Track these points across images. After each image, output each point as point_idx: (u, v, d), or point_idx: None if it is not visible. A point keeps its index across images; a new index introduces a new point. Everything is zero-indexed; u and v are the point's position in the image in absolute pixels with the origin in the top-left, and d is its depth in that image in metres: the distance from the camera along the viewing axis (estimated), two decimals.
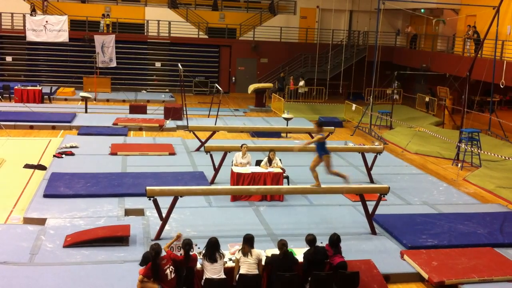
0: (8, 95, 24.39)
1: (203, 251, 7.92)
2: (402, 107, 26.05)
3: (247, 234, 8.11)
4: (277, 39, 30.51)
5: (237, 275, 7.92)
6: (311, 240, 8.23)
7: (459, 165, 16.29)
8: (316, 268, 8.03)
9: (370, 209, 10.48)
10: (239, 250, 8.05)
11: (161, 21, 29.47)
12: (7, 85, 24.77)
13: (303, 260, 8.18)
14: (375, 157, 14.16)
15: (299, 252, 8.42)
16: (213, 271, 7.72)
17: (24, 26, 26.62)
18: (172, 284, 7.57)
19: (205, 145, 14.27)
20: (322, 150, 10.11)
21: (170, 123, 20.35)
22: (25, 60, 29.10)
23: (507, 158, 15.27)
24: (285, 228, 10.52)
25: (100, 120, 20.19)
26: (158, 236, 9.71)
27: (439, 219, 11.25)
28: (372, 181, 14.00)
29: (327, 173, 10.36)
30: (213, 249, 7.82)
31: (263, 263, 8.09)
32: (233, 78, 30.89)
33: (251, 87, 25.75)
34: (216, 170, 13.22)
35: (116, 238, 9.42)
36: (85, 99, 22.26)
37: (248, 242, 7.99)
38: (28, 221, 10.43)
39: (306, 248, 8.29)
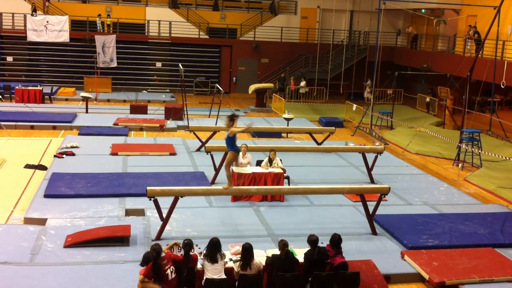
0: (9, 95, 24.41)
1: (204, 251, 7.92)
2: (402, 108, 26.05)
3: (245, 243, 7.99)
4: (278, 39, 30.52)
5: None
6: (314, 240, 8.22)
7: (460, 165, 16.29)
8: (317, 268, 8.03)
9: (371, 209, 10.48)
10: (238, 261, 7.95)
11: (161, 21, 29.49)
12: (8, 85, 24.80)
13: (304, 260, 8.18)
14: (376, 157, 14.15)
15: (300, 253, 8.42)
16: (213, 272, 7.72)
17: (25, 26, 26.66)
18: (173, 284, 7.57)
19: (206, 145, 14.28)
20: (230, 145, 9.79)
21: (170, 123, 20.35)
22: (26, 60, 29.12)
23: (507, 158, 15.27)
24: (286, 228, 10.52)
25: (101, 120, 20.20)
26: (158, 237, 9.71)
27: (439, 220, 11.25)
28: (372, 181, 13.99)
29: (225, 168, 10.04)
30: (214, 250, 7.81)
31: (262, 265, 8.06)
32: (234, 78, 30.89)
33: (252, 87, 25.76)
34: (217, 170, 13.21)
35: (116, 238, 9.42)
36: (85, 99, 22.27)
37: (247, 253, 7.89)
38: (28, 221, 10.44)
39: (307, 248, 8.29)
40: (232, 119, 9.71)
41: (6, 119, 19.15)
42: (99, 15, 28.98)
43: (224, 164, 9.82)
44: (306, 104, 26.71)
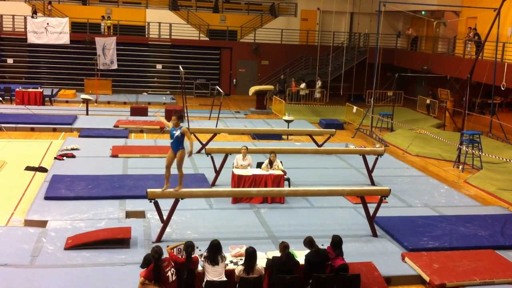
0: (9, 97, 24.42)
1: (205, 254, 7.91)
2: (403, 109, 26.04)
3: (248, 247, 7.98)
4: (278, 41, 30.53)
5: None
6: (310, 241, 8.22)
7: (460, 167, 16.28)
8: (317, 270, 8.03)
9: (371, 211, 10.48)
10: (242, 266, 7.91)
11: (162, 23, 29.50)
12: (8, 87, 24.81)
13: (304, 262, 8.18)
14: (376, 159, 14.15)
15: (300, 254, 8.41)
16: (214, 274, 7.72)
17: (25, 28, 26.69)
18: (173, 286, 7.56)
19: (206, 147, 14.27)
20: (178, 144, 9.67)
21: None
22: (26, 62, 29.13)
23: (508, 160, 15.27)
24: (286, 230, 10.52)
25: (101, 122, 20.20)
26: (159, 239, 9.71)
27: (440, 221, 11.24)
28: (373, 183, 13.99)
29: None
30: (215, 252, 7.81)
31: (263, 271, 8.05)
32: (234, 80, 30.90)
33: (252, 89, 25.78)
34: (217, 172, 13.22)
35: (117, 240, 9.42)
36: (86, 101, 22.27)
37: (250, 257, 7.85)
38: (29, 223, 10.43)
39: (307, 250, 8.28)
40: (179, 118, 9.72)
41: (6, 121, 19.17)
42: (103, 16, 28.99)
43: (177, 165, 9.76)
44: (306, 106, 26.73)
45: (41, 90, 24.20)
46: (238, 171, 12.45)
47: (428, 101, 25.49)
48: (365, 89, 27.12)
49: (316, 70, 28.40)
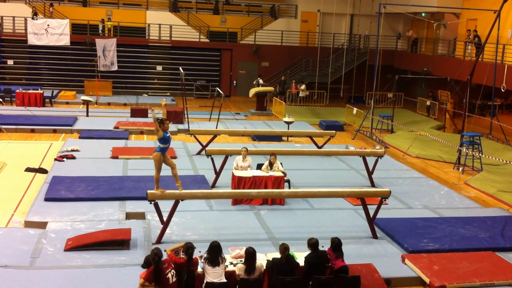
0: (9, 99, 24.42)
1: (205, 255, 7.91)
2: (403, 111, 26.06)
3: (249, 248, 7.99)
4: (278, 43, 30.54)
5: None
6: (314, 243, 8.22)
7: (460, 169, 16.28)
8: (317, 272, 8.03)
9: (371, 213, 10.48)
10: (242, 264, 7.94)
11: (162, 24, 29.51)
12: (8, 89, 24.81)
13: (304, 263, 8.18)
14: (376, 161, 14.15)
15: (300, 256, 8.41)
16: (214, 275, 7.72)
17: (26, 29, 26.69)
18: None
19: (206, 148, 14.30)
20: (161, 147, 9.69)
21: (171, 127, 20.30)
22: (27, 64, 29.12)
23: (508, 162, 15.27)
24: (286, 232, 10.52)
25: (101, 123, 20.20)
26: (159, 240, 9.71)
27: (440, 223, 11.24)
28: (373, 185, 13.99)
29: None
30: (215, 253, 7.80)
31: (263, 268, 8.05)
32: (234, 82, 30.91)
33: (252, 91, 25.79)
34: (217, 174, 13.22)
35: (117, 241, 9.42)
36: (86, 103, 22.27)
37: (251, 257, 7.86)
38: (29, 224, 10.43)
39: (307, 252, 8.28)
40: (161, 122, 9.84)
41: (6, 122, 19.16)
42: (102, 20, 29.01)
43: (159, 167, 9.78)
44: (306, 107, 26.73)
45: (41, 91, 24.20)
46: (238, 173, 12.45)
47: (428, 103, 25.50)
48: (365, 91, 27.13)
49: (317, 71, 28.41)
